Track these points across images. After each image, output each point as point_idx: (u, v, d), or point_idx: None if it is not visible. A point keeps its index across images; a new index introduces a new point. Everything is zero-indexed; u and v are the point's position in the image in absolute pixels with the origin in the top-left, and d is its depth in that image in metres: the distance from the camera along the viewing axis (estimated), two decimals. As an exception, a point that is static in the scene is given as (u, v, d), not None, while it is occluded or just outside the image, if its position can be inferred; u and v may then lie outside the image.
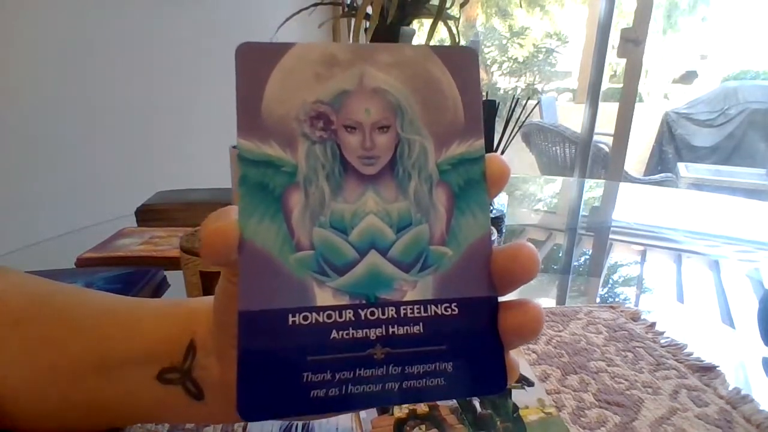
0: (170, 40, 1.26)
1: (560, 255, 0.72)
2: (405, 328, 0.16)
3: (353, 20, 0.81)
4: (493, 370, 0.17)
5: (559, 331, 0.45)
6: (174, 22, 1.26)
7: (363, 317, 0.16)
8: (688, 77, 4.73)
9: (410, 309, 0.17)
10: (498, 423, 0.33)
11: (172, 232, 0.65)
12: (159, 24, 1.21)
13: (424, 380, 0.16)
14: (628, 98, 1.86)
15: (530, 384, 0.37)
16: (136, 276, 0.49)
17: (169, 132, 1.29)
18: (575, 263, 0.69)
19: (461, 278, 0.17)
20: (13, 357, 0.22)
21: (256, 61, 0.17)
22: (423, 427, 0.32)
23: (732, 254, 0.74)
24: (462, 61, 0.18)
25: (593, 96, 1.98)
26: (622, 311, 0.49)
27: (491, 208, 0.66)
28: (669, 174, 2.80)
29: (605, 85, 2.11)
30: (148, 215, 0.70)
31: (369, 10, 0.77)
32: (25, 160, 0.93)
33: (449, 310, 0.17)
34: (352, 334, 0.16)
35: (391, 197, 0.17)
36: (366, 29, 0.78)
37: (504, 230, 0.69)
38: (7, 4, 0.88)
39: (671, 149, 3.38)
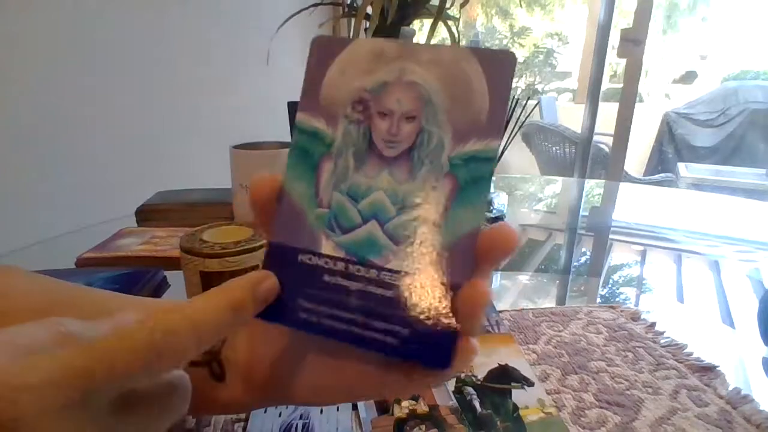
0: (170, 41, 1.26)
1: (560, 255, 0.72)
2: (380, 290, 0.19)
3: (353, 20, 0.81)
4: (442, 348, 0.18)
5: (559, 331, 0.45)
6: (174, 23, 1.26)
7: (350, 271, 0.19)
8: (688, 77, 4.72)
9: (389, 275, 0.19)
10: (498, 423, 0.33)
11: (172, 232, 0.65)
12: (159, 24, 1.21)
13: (382, 335, 0.19)
14: (628, 98, 1.86)
15: (530, 384, 0.37)
16: (136, 276, 0.49)
17: (169, 132, 1.29)
18: (575, 263, 0.69)
19: (441, 263, 0.18)
20: None
21: (323, 52, 0.21)
22: (423, 427, 0.32)
23: (732, 254, 0.74)
24: (499, 63, 0.19)
25: (593, 96, 1.98)
26: (622, 311, 0.49)
27: (491, 208, 0.66)
28: (669, 174, 2.80)
29: (605, 85, 2.11)
30: (148, 215, 0.70)
31: (369, 10, 0.77)
32: (25, 160, 0.93)
33: (421, 286, 0.19)
34: (339, 281, 0.20)
35: (403, 179, 0.19)
36: (366, 29, 0.78)
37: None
38: (7, 3, 0.88)
39: (671, 149, 3.37)
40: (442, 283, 0.18)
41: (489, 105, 0.19)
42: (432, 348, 0.18)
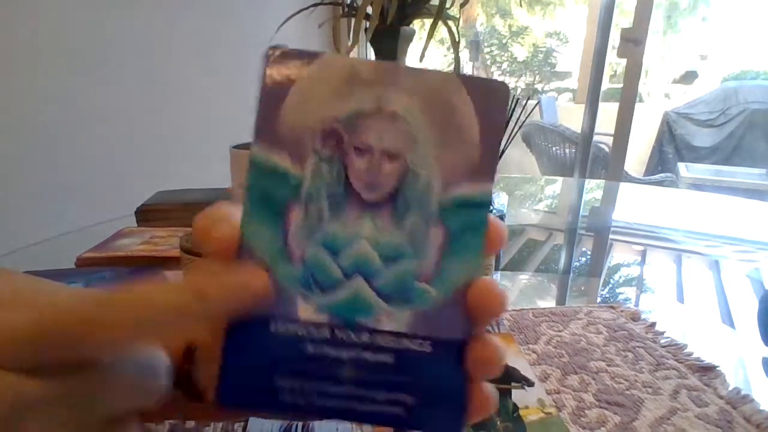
0: (170, 40, 1.26)
1: (560, 255, 0.72)
2: (376, 355, 0.17)
3: (353, 20, 0.81)
4: (451, 412, 0.17)
5: (559, 331, 0.45)
6: (174, 22, 1.26)
7: (338, 337, 0.17)
8: (688, 77, 4.72)
9: (384, 338, 0.17)
10: (498, 423, 0.33)
11: (172, 232, 0.65)
12: (159, 24, 1.21)
13: (385, 406, 0.17)
14: (628, 98, 1.86)
15: (530, 384, 0.37)
16: (136, 276, 0.49)
17: (169, 132, 1.29)
18: (575, 263, 0.69)
19: (440, 318, 0.17)
20: None
21: (282, 67, 0.17)
22: (423, 427, 0.32)
23: (732, 254, 0.74)
24: (490, 96, 0.17)
25: (593, 96, 1.97)
26: (622, 311, 0.49)
27: (491, 209, 0.66)
28: (669, 174, 2.80)
29: (605, 85, 2.11)
30: (148, 215, 0.70)
31: (369, 10, 0.77)
32: (25, 160, 0.93)
33: (422, 346, 0.17)
34: (326, 351, 0.17)
35: (387, 227, 0.17)
36: (366, 29, 0.78)
37: (504, 230, 0.69)
38: (8, 2, 0.88)
39: (671, 149, 3.37)
40: (445, 343, 0.17)
41: (481, 144, 0.16)
42: (442, 415, 0.17)
